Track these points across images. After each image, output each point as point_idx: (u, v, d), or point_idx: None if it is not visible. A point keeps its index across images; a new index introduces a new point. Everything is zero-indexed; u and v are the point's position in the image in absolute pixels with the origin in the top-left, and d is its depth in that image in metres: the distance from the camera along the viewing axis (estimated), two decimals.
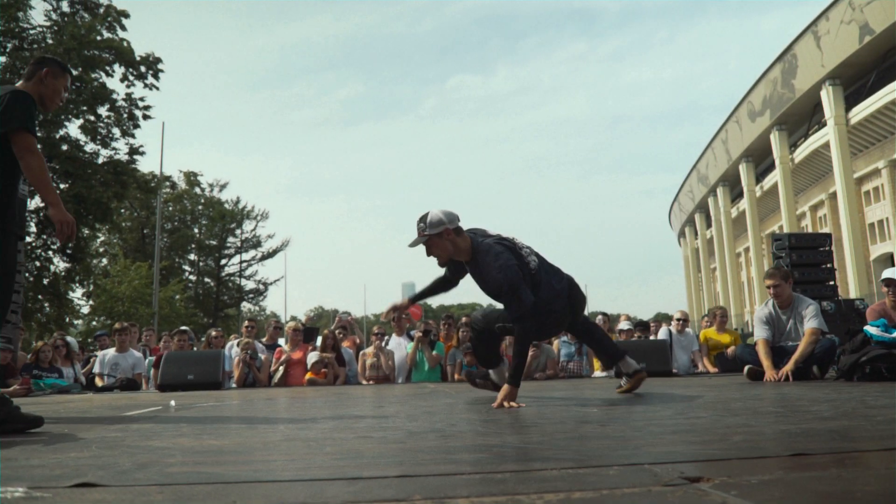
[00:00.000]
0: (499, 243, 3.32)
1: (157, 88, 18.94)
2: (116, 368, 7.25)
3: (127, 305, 23.75)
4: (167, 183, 34.39)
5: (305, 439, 2.01)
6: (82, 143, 18.54)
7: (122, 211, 28.99)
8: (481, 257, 3.28)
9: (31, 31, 17.84)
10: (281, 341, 7.83)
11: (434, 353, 7.19)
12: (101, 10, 18.32)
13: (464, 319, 7.16)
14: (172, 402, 4.17)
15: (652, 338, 7.98)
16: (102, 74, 18.29)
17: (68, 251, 18.39)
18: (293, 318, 29.27)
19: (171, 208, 36.93)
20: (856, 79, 26.19)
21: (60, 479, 1.32)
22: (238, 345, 7.41)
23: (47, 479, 1.34)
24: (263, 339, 8.10)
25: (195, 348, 8.05)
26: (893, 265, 7.37)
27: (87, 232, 19.78)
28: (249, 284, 39.16)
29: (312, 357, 6.94)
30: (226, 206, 38.41)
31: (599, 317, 8.25)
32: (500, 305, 3.43)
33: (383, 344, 7.41)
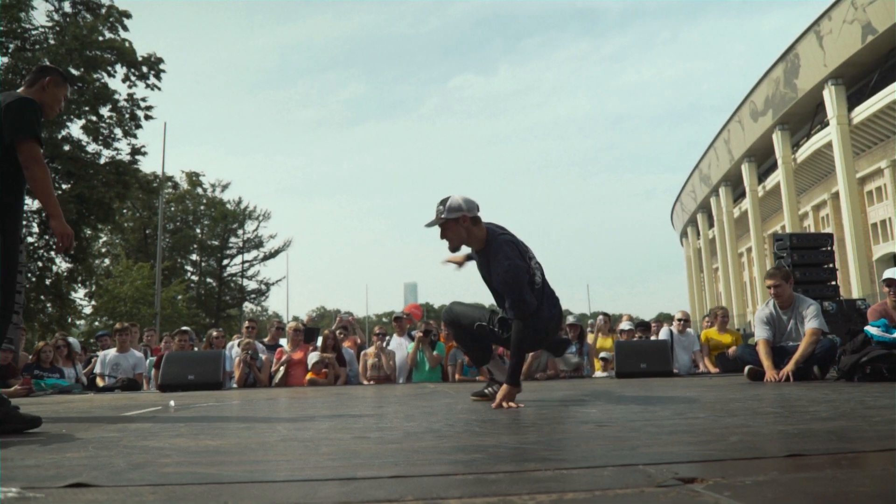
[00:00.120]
0: (516, 245, 3.32)
1: (159, 89, 19.04)
2: (117, 369, 7.27)
3: (129, 306, 23.81)
4: (169, 183, 34.50)
5: (302, 439, 2.01)
6: (84, 143, 18.63)
7: (124, 211, 29.06)
8: (495, 249, 3.27)
9: (33, 32, 17.89)
10: (283, 341, 7.83)
11: (435, 353, 7.20)
12: (103, 11, 18.38)
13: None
14: (172, 403, 4.18)
15: (653, 338, 7.98)
16: (104, 75, 18.36)
17: (70, 252, 18.43)
18: (295, 319, 29.27)
19: (173, 209, 36.98)
20: (858, 78, 26.14)
21: (55, 480, 1.32)
22: (239, 345, 7.43)
23: (41, 480, 1.34)
24: (265, 340, 8.10)
25: (196, 348, 8.05)
26: (895, 265, 7.35)
27: (89, 232, 19.81)
28: (251, 285, 39.29)
29: (313, 357, 6.95)
30: (228, 206, 38.47)
31: (600, 317, 8.25)
32: (477, 303, 3.39)
33: (384, 344, 7.42)
